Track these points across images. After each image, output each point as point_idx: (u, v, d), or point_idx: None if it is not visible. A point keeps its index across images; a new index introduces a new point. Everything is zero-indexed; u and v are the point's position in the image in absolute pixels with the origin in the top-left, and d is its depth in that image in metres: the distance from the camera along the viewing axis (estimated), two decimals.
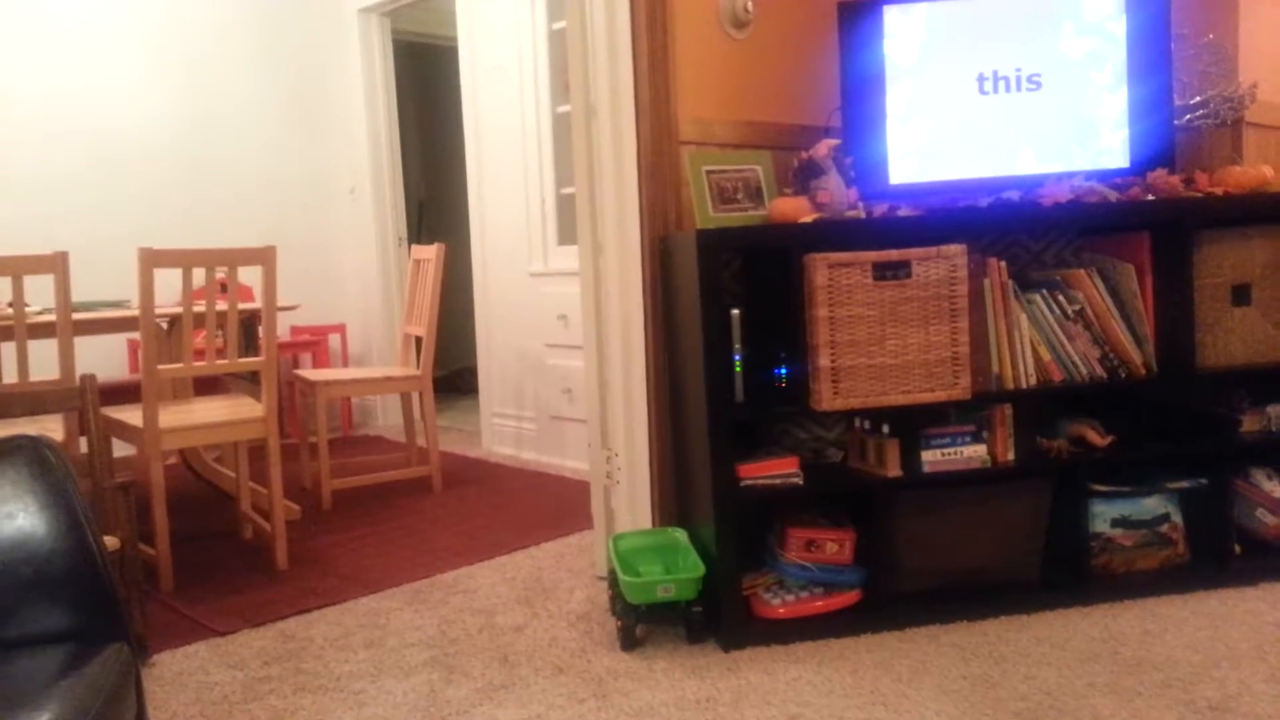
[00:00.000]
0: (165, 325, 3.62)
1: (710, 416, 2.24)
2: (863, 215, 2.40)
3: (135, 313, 3.10)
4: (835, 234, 2.34)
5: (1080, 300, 2.45)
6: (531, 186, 4.34)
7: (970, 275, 2.31)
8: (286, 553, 3.00)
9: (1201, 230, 2.47)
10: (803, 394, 2.32)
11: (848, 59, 2.48)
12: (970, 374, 2.30)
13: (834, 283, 2.23)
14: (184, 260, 2.80)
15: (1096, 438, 2.47)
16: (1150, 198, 2.45)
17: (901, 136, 2.48)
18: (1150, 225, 2.49)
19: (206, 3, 4.89)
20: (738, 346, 2.31)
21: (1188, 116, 2.69)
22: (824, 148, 2.37)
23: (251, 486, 3.42)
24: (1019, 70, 2.47)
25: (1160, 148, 2.52)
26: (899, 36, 2.45)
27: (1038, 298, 2.42)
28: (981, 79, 2.47)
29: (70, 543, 1.42)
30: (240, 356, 3.02)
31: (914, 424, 2.36)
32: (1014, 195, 2.44)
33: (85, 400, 2.39)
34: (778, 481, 2.32)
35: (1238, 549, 2.50)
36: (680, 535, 2.50)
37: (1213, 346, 2.49)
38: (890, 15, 2.44)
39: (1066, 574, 2.47)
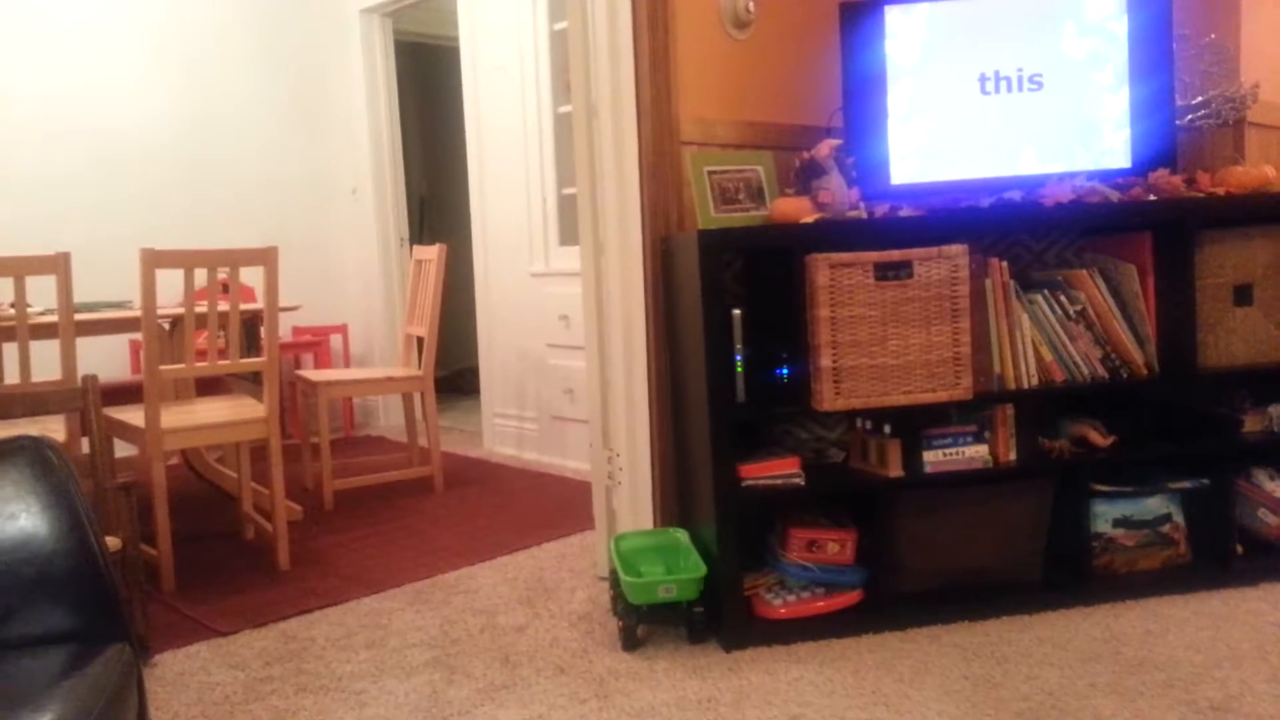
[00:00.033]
0: (167, 326, 3.62)
1: (712, 417, 2.24)
2: (864, 215, 2.40)
3: (137, 313, 3.11)
4: (837, 234, 2.34)
5: (1082, 300, 2.45)
6: (533, 187, 4.34)
7: (972, 275, 2.31)
8: (288, 553, 3.01)
9: (1203, 230, 2.46)
10: (804, 394, 2.32)
11: (849, 59, 2.48)
12: (972, 374, 2.30)
13: (835, 283, 2.23)
14: (186, 261, 2.80)
15: (1098, 438, 2.47)
16: (1152, 198, 2.45)
17: (903, 136, 2.48)
18: (1152, 225, 2.48)
19: (207, 3, 4.89)
20: (739, 347, 2.31)
21: (1189, 116, 2.69)
22: (825, 148, 2.37)
23: (253, 487, 3.42)
24: (1021, 70, 2.47)
25: (1162, 148, 2.52)
26: (900, 36, 2.45)
27: (1039, 298, 2.42)
28: (983, 79, 2.47)
29: (72, 543, 1.42)
30: (242, 357, 3.02)
31: (915, 424, 2.36)
32: (1016, 195, 2.44)
33: (87, 401, 2.39)
34: (779, 482, 2.32)
35: (1239, 549, 2.50)
36: (682, 535, 2.50)
37: (1214, 347, 2.49)
38: (892, 15, 2.44)
39: (1068, 574, 2.47)
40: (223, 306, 2.94)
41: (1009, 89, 2.48)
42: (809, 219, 2.36)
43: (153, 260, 2.72)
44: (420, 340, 3.97)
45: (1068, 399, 2.64)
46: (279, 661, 2.32)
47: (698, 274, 2.24)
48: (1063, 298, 2.43)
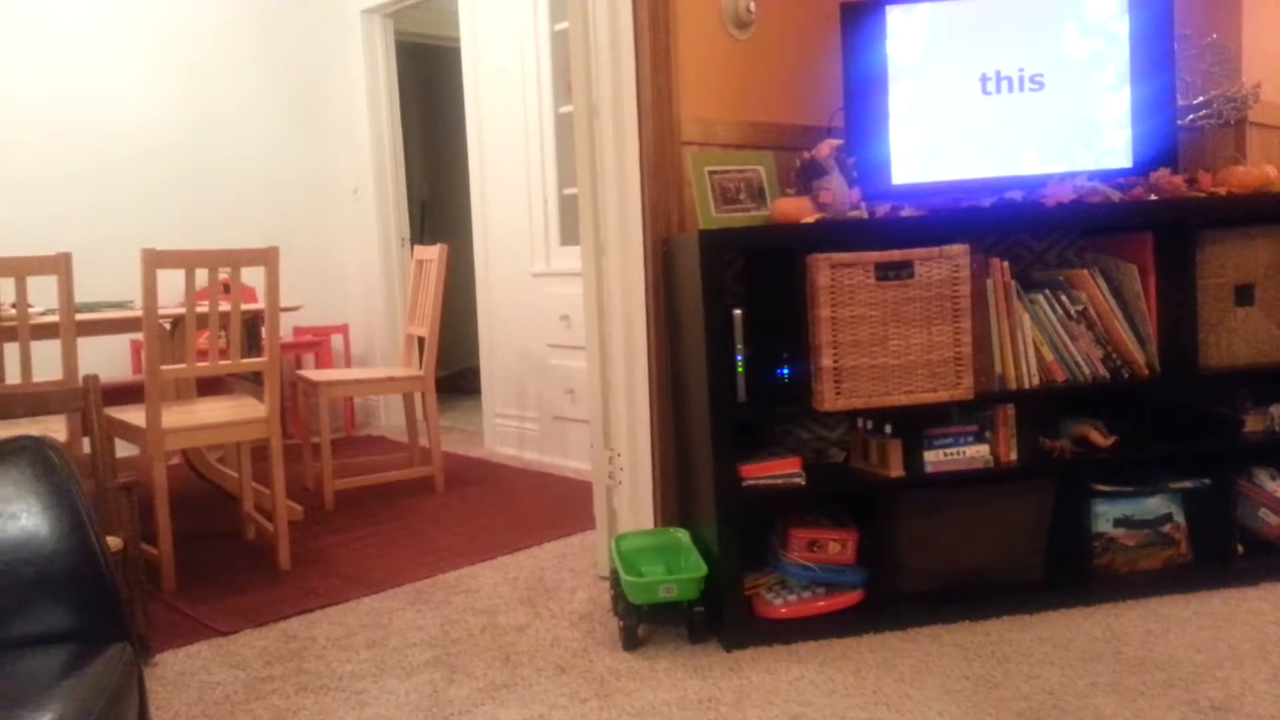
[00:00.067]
0: (168, 326, 3.62)
1: (712, 417, 2.24)
2: (865, 215, 2.40)
3: (138, 313, 3.11)
4: (838, 234, 2.34)
5: (1083, 300, 2.44)
6: (534, 187, 4.34)
7: (973, 275, 2.30)
8: (289, 553, 3.01)
9: (1204, 230, 2.46)
10: (805, 394, 2.32)
11: (850, 59, 2.48)
12: (973, 374, 2.30)
13: (836, 283, 2.23)
14: (187, 261, 2.80)
15: (1099, 438, 2.47)
16: (1153, 198, 2.45)
17: (904, 136, 2.48)
18: (1153, 225, 2.48)
19: (207, 3, 4.89)
20: (740, 347, 2.31)
21: (1191, 116, 2.69)
22: (826, 148, 2.37)
23: (254, 487, 3.42)
24: (1022, 70, 2.47)
25: (1163, 148, 2.51)
26: (901, 36, 2.45)
27: (1040, 298, 2.42)
28: (984, 79, 2.47)
29: (73, 543, 1.42)
30: (243, 357, 3.02)
31: (916, 424, 2.36)
32: (1017, 195, 2.44)
33: (88, 401, 2.40)
34: (780, 482, 2.32)
35: (1240, 549, 2.49)
36: (682, 535, 2.50)
37: (1216, 346, 2.49)
38: (893, 15, 2.44)
39: (1069, 574, 2.46)
40: (224, 306, 2.94)
41: (1010, 89, 2.48)
42: (810, 219, 2.36)
43: (154, 260, 2.72)
44: (421, 340, 3.97)
45: (1069, 399, 2.64)
46: (280, 661, 2.32)
47: (698, 274, 2.24)
48: (1064, 297, 2.43)
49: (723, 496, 2.26)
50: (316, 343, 5.08)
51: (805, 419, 2.59)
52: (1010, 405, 2.39)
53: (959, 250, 2.27)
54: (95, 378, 2.42)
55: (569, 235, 4.27)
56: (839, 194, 2.35)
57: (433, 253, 3.94)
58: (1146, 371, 2.45)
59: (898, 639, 2.27)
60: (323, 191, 5.35)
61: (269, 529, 3.07)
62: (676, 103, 2.57)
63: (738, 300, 2.36)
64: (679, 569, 2.44)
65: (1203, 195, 2.47)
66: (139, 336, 4.50)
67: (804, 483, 2.33)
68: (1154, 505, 2.48)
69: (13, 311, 2.83)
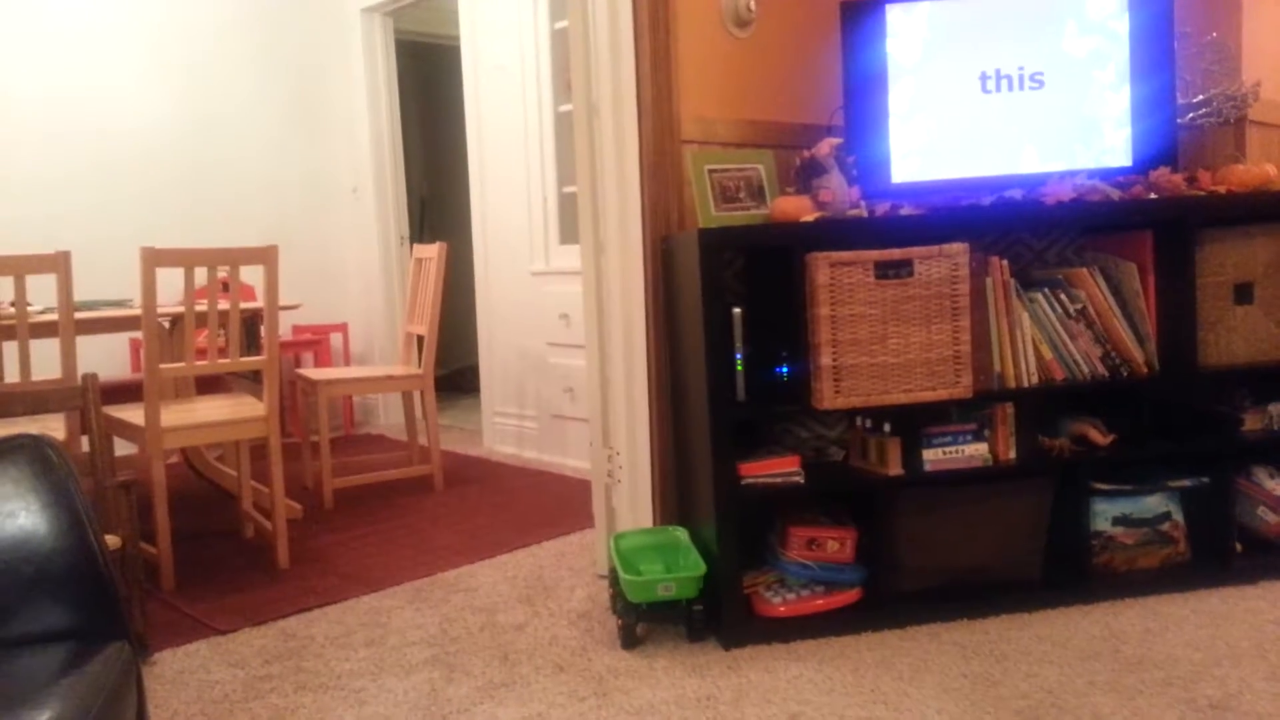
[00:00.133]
0: (167, 324, 3.62)
1: (712, 415, 2.24)
2: (865, 214, 2.40)
3: (137, 312, 3.11)
4: (837, 233, 2.34)
5: (1082, 299, 2.44)
6: (533, 185, 4.34)
7: (972, 274, 2.30)
8: (288, 551, 3.01)
9: (1204, 229, 2.46)
10: (804, 393, 2.32)
11: (850, 58, 2.48)
12: (972, 372, 2.30)
13: (836, 281, 2.23)
14: (186, 260, 2.80)
15: (1098, 436, 2.47)
16: (1153, 196, 2.45)
17: (904, 135, 2.48)
18: (1153, 224, 2.48)
19: (207, 2, 4.89)
20: (739, 345, 2.31)
21: (1190, 115, 2.69)
22: (826, 146, 2.36)
23: (253, 485, 3.42)
24: (1022, 69, 2.47)
25: (1163, 146, 2.51)
26: (901, 35, 2.45)
27: (1040, 296, 2.42)
28: (984, 78, 2.47)
29: (71, 541, 1.42)
30: (242, 355, 3.02)
31: (915, 423, 2.36)
32: (1016, 194, 2.44)
33: (87, 399, 2.40)
34: (779, 480, 2.32)
35: (1239, 547, 2.50)
36: (681, 534, 2.50)
37: (1215, 345, 2.49)
38: (893, 14, 2.44)
39: (1068, 572, 2.46)
40: (223, 305, 2.94)
41: (1010, 87, 2.48)
42: (809, 218, 2.35)
43: (153, 259, 2.72)
44: (420, 339, 3.97)
45: (1068, 397, 2.64)
46: (278, 659, 2.32)
47: (698, 273, 2.24)
48: (1063, 296, 2.43)
49: (722, 495, 2.26)
50: (316, 341, 5.08)
51: (804, 417, 2.59)
52: (1009, 404, 2.39)
53: (958, 249, 2.27)
54: (94, 376, 2.42)
55: (568, 234, 4.26)
56: (839, 192, 2.35)
57: (432, 251, 3.94)
58: (1145, 370, 2.45)
59: (896, 637, 2.27)
60: (322, 190, 5.35)
61: (268, 528, 3.07)
62: (676, 101, 2.57)
63: (737, 299, 2.36)
64: (678, 567, 2.44)
65: (1202, 194, 2.47)
66: (138, 335, 4.50)
67: (803, 481, 2.33)
68: (1153, 504, 2.48)
69: (12, 310, 2.83)
